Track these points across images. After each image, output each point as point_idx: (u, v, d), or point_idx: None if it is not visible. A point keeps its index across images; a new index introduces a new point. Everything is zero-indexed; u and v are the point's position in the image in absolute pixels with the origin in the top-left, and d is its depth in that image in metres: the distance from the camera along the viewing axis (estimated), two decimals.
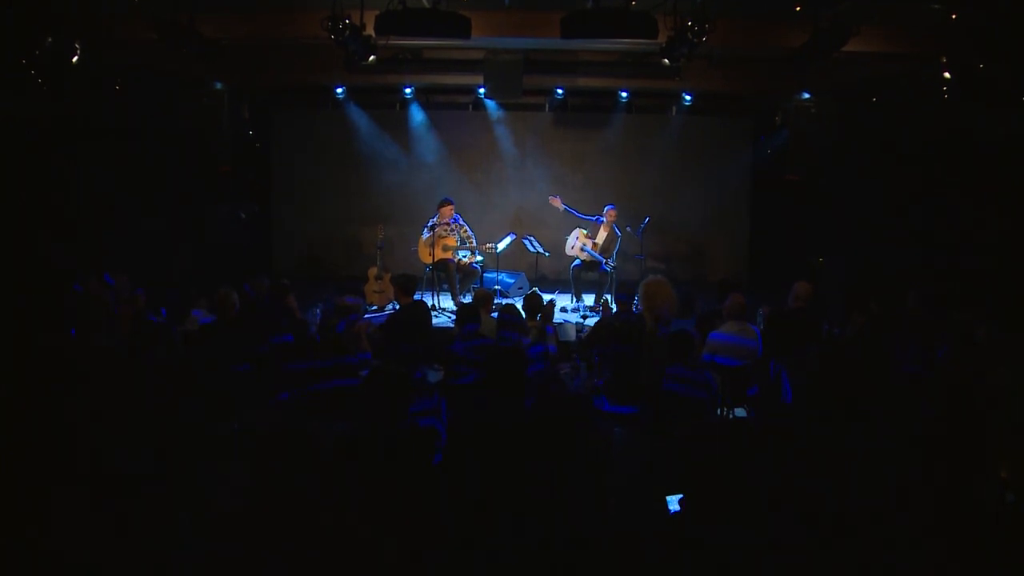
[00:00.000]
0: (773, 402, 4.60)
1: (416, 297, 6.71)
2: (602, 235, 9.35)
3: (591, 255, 9.25)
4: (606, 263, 9.18)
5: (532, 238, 9.89)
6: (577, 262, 9.42)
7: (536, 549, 2.71)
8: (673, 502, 2.63)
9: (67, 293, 6.54)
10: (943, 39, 7.88)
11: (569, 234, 9.55)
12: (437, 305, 9.08)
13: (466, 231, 9.33)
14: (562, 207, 9.53)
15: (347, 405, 4.85)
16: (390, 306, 9.06)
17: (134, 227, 9.47)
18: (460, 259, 9.24)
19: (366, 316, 7.30)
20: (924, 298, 6.27)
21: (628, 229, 9.73)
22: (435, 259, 9.07)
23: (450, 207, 9.27)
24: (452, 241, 9.21)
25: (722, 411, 5.32)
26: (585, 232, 9.41)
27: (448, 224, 9.22)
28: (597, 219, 9.43)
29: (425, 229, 9.25)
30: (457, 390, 5.31)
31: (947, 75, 8.01)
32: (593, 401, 5.21)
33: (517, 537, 2.74)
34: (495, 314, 7.67)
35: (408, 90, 10.78)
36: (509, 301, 9.59)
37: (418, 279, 7.50)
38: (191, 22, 6.96)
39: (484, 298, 6.60)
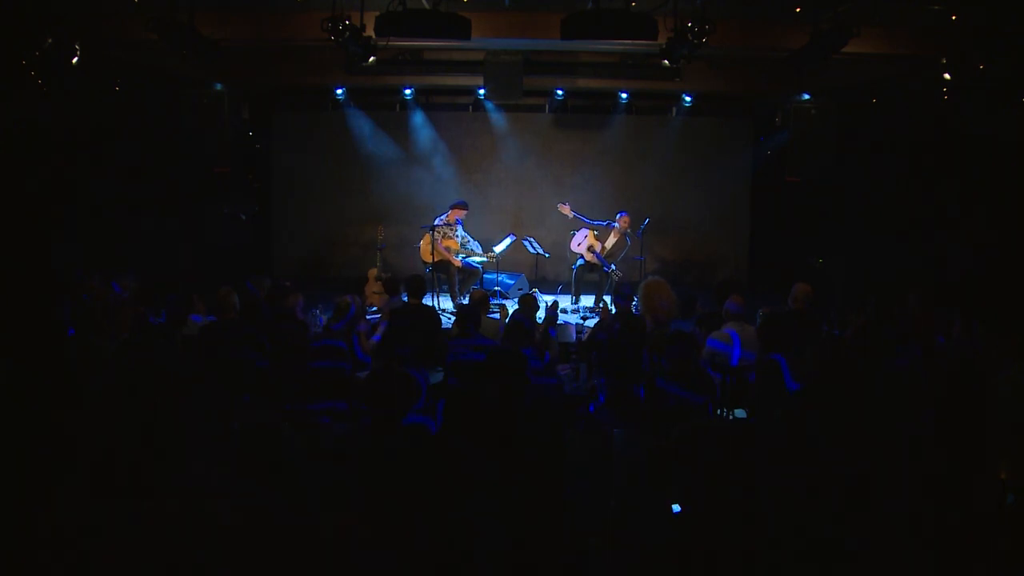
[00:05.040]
0: (773, 395, 4.59)
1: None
2: (611, 240, 9.33)
3: (596, 257, 9.24)
4: (609, 267, 9.18)
5: (532, 239, 9.89)
6: (581, 261, 9.41)
7: (535, 549, 2.71)
8: (675, 503, 2.63)
9: (67, 293, 6.53)
10: (943, 39, 7.89)
11: (576, 232, 9.54)
12: (437, 306, 9.08)
13: (466, 239, 9.36)
14: (571, 214, 9.47)
15: (338, 387, 4.91)
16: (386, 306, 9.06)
17: (133, 228, 9.48)
18: (459, 261, 9.24)
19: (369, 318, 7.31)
20: (924, 299, 6.26)
21: (628, 230, 9.73)
22: (436, 259, 9.07)
23: (462, 211, 9.30)
24: (454, 244, 9.23)
25: (721, 411, 5.31)
26: (595, 234, 9.40)
27: (452, 226, 9.25)
28: (609, 224, 9.41)
29: (434, 226, 9.23)
30: (456, 391, 5.31)
31: (947, 76, 8.01)
32: (591, 403, 5.22)
33: (516, 537, 2.74)
34: (494, 314, 7.68)
35: (408, 91, 10.77)
36: (507, 303, 9.63)
37: (425, 279, 7.54)
38: (191, 22, 6.96)
39: (482, 299, 6.61)
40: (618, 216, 9.35)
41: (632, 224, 9.43)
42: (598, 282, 9.32)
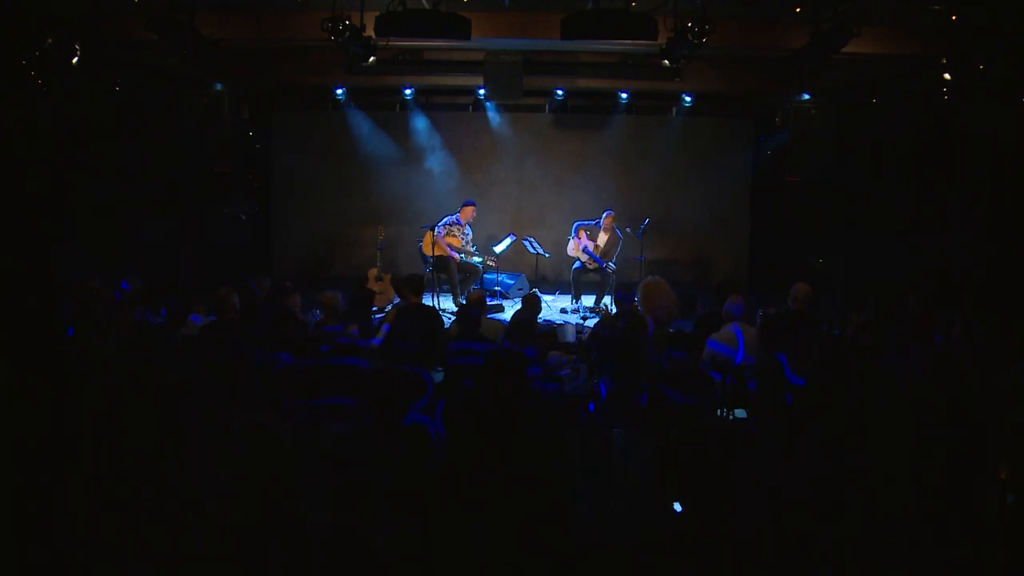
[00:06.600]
0: (773, 394, 4.59)
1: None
2: (603, 238, 9.38)
3: (592, 257, 9.27)
4: (606, 266, 9.20)
5: (532, 239, 9.91)
6: (578, 264, 9.45)
7: (535, 549, 2.71)
8: (675, 503, 2.63)
9: (67, 293, 6.52)
10: (943, 39, 7.89)
11: (571, 237, 9.59)
12: (437, 306, 9.08)
13: (469, 245, 9.39)
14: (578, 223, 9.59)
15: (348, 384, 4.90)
16: (389, 307, 9.07)
17: (133, 228, 9.47)
18: (459, 258, 9.25)
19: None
20: (924, 299, 6.26)
21: (628, 230, 9.75)
22: (435, 253, 9.07)
23: (472, 209, 9.40)
24: (457, 242, 9.25)
25: (722, 412, 5.31)
26: (587, 233, 9.45)
27: (460, 226, 9.29)
28: (596, 223, 9.47)
29: (439, 226, 9.25)
30: (456, 391, 5.31)
31: (947, 76, 8.01)
32: (591, 403, 5.22)
33: (515, 537, 2.74)
34: (496, 315, 7.69)
35: (408, 91, 10.77)
36: (507, 302, 9.65)
37: (424, 279, 7.55)
38: (191, 22, 6.96)
39: (481, 300, 6.62)
40: (603, 215, 9.40)
41: (621, 221, 9.49)
42: (599, 282, 9.34)
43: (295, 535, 2.17)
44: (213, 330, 5.69)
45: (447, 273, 9.15)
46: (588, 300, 9.49)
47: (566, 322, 8.49)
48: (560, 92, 10.85)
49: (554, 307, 9.56)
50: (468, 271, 9.33)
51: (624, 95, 10.84)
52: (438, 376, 5.69)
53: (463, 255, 9.25)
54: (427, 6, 6.58)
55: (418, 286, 6.56)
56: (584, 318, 8.87)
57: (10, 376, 4.23)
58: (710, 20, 6.47)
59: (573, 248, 9.50)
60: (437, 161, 11.59)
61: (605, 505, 3.14)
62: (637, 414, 4.79)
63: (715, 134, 11.65)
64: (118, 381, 4.33)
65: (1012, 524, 3.01)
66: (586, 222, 9.55)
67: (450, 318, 7.76)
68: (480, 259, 9.40)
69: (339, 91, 10.70)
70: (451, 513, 2.87)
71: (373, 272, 9.59)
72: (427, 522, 2.79)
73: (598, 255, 9.26)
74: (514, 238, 9.98)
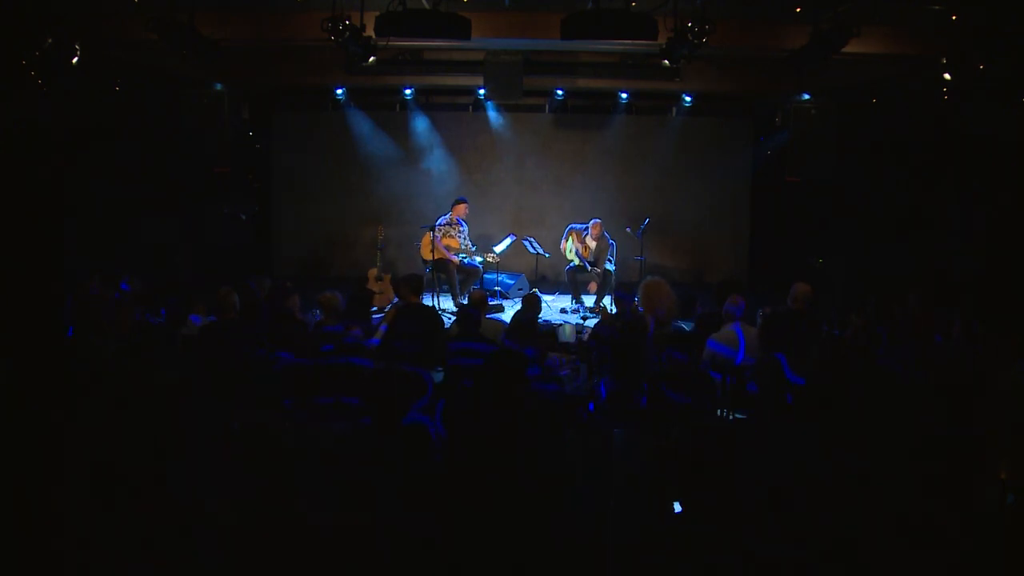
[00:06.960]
0: (773, 393, 4.59)
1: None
2: (591, 243, 9.42)
3: (581, 260, 9.34)
4: (592, 270, 9.25)
5: (532, 239, 9.91)
6: (571, 264, 9.47)
7: (535, 549, 2.71)
8: (675, 503, 2.63)
9: (67, 293, 6.53)
10: (943, 39, 7.89)
11: (563, 236, 9.63)
12: (437, 306, 9.08)
13: (467, 244, 9.38)
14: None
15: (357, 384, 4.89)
16: (389, 307, 9.07)
17: (133, 228, 9.47)
18: (458, 260, 9.24)
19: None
20: (924, 299, 6.26)
21: (628, 230, 9.76)
22: (435, 257, 9.08)
23: (464, 206, 9.37)
24: (455, 243, 9.25)
25: (722, 412, 5.31)
26: (576, 237, 9.50)
27: (456, 225, 9.28)
28: (585, 228, 9.50)
29: (436, 227, 9.26)
30: (457, 391, 5.31)
31: (947, 76, 8.01)
32: (590, 402, 5.21)
33: (515, 537, 2.74)
34: (496, 315, 7.68)
35: (408, 91, 10.77)
36: (507, 302, 9.65)
37: (423, 278, 7.55)
38: (191, 22, 6.96)
39: (481, 300, 6.62)
40: (591, 223, 9.44)
41: (620, 221, 9.68)
42: (599, 282, 9.35)
43: (295, 535, 2.18)
44: (213, 330, 5.69)
45: (447, 274, 9.15)
46: (588, 300, 9.50)
47: (566, 322, 8.49)
48: (560, 92, 10.85)
49: (554, 307, 9.56)
50: (468, 271, 9.33)
51: (624, 95, 10.84)
52: (438, 376, 5.69)
53: (463, 255, 9.25)
54: (427, 6, 6.58)
55: (417, 286, 6.56)
56: (584, 318, 8.87)
57: (10, 376, 4.23)
58: (710, 20, 6.48)
59: (564, 249, 9.56)
60: (437, 161, 11.60)
61: (605, 505, 3.13)
62: (637, 414, 4.78)
63: (715, 134, 11.64)
64: (118, 381, 4.33)
65: (1012, 524, 3.01)
66: (579, 225, 9.56)
67: (450, 318, 7.76)
68: (480, 259, 9.40)
69: (339, 91, 10.70)
70: (451, 513, 2.86)
71: (373, 272, 9.59)
72: (427, 522, 2.79)
73: (587, 259, 9.32)
74: (514, 238, 9.99)
